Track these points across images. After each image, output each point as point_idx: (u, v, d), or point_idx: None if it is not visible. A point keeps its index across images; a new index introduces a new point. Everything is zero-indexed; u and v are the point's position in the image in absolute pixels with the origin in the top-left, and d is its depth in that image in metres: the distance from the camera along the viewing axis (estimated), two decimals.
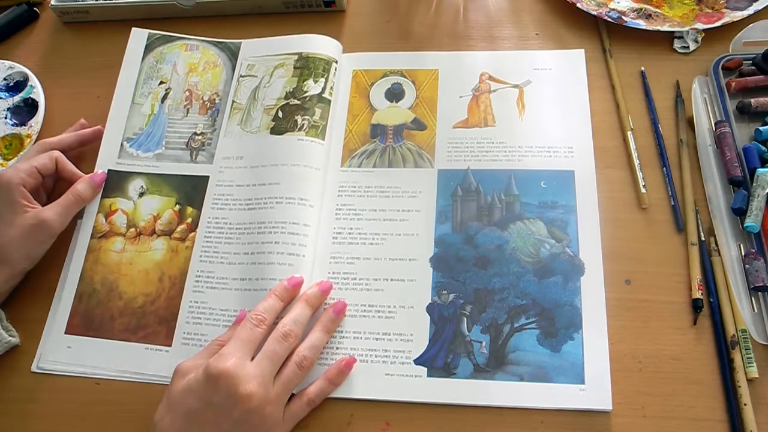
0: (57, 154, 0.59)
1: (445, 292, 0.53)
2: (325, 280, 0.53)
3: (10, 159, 0.65)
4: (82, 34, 0.75)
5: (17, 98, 0.69)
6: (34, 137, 0.66)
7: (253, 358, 0.46)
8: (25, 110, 0.69)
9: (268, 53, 0.66)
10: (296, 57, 0.64)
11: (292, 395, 0.49)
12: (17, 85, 0.71)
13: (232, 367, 0.44)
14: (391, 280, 0.54)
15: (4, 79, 0.71)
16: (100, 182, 0.60)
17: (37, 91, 0.69)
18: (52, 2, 0.73)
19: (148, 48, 0.68)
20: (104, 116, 0.67)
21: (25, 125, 0.67)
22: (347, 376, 0.50)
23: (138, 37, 0.68)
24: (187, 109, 0.64)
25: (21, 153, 0.65)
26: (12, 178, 0.56)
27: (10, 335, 0.54)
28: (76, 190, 0.58)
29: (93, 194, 0.60)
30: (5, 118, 0.68)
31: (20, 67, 0.71)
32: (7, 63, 0.72)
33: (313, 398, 0.49)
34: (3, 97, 0.70)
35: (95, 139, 0.63)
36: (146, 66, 0.67)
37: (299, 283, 0.52)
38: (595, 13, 0.64)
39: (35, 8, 0.77)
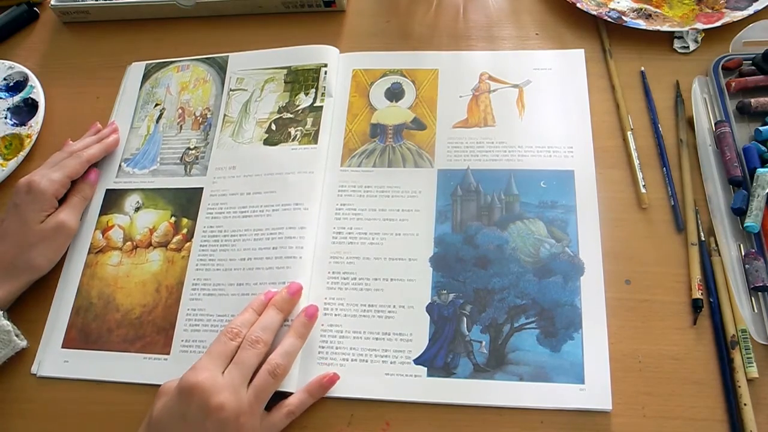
0: (87, 155, 0.61)
1: (445, 291, 0.53)
2: (293, 284, 0.53)
3: (10, 159, 0.66)
4: (82, 34, 0.75)
5: (17, 98, 0.70)
6: (34, 137, 0.66)
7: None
8: (25, 110, 0.69)
9: (257, 66, 0.67)
10: (286, 71, 0.66)
11: (273, 406, 0.48)
12: (17, 85, 0.71)
13: (203, 379, 0.44)
14: (391, 279, 0.54)
15: (4, 79, 0.71)
16: (95, 180, 0.62)
17: (37, 91, 0.69)
18: (52, 2, 0.74)
19: (146, 77, 0.69)
20: (104, 116, 0.67)
21: (25, 125, 0.67)
22: (328, 391, 0.50)
23: (136, 69, 0.70)
24: (180, 126, 0.65)
25: (21, 153, 0.66)
26: (47, 188, 0.57)
27: (18, 339, 0.54)
28: (81, 192, 0.60)
29: (93, 192, 0.62)
30: (5, 118, 0.68)
31: (20, 67, 0.71)
32: (7, 63, 0.72)
33: (293, 410, 0.48)
34: (3, 97, 0.70)
35: (116, 145, 0.65)
36: (143, 93, 0.68)
37: (297, 290, 0.52)
38: (595, 13, 0.64)
39: (35, 8, 0.77)
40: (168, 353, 0.53)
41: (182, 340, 0.54)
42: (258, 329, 0.49)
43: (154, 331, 0.55)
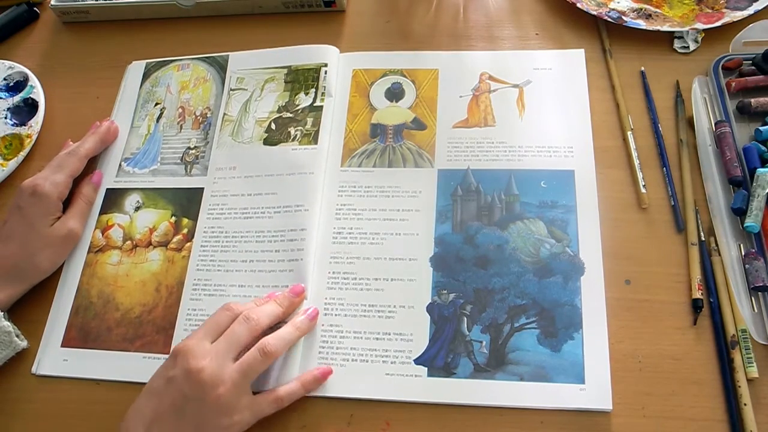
0: (84, 150, 0.61)
1: (445, 291, 0.53)
2: (297, 285, 0.53)
3: (10, 159, 0.66)
4: (82, 34, 0.75)
5: (17, 98, 0.70)
6: (34, 137, 0.66)
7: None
8: (25, 110, 0.69)
9: (257, 66, 0.67)
10: (286, 71, 0.65)
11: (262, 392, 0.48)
12: (17, 85, 0.71)
13: (189, 344, 0.46)
14: (391, 279, 0.54)
15: (4, 79, 0.71)
16: (99, 182, 0.62)
17: (37, 91, 0.69)
18: (52, 2, 0.74)
19: (146, 75, 0.69)
20: (104, 116, 0.67)
21: (25, 125, 0.67)
22: (321, 384, 0.50)
23: (136, 67, 0.70)
24: (180, 126, 0.65)
25: (21, 153, 0.66)
26: (52, 192, 0.57)
27: (19, 339, 0.54)
28: (86, 195, 0.61)
29: (96, 194, 0.62)
30: (5, 118, 0.68)
31: (20, 67, 0.71)
32: (7, 63, 0.72)
33: (282, 397, 0.48)
34: (3, 97, 0.70)
35: (114, 137, 0.65)
36: (143, 92, 0.68)
37: (300, 292, 0.53)
38: (595, 13, 0.64)
39: (35, 8, 0.77)
40: (168, 353, 0.53)
41: (182, 340, 0.53)
42: (256, 310, 0.49)
43: (153, 331, 0.55)
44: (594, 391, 0.47)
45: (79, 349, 0.55)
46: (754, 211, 0.51)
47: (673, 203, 0.55)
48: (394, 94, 0.64)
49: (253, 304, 0.51)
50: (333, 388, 0.50)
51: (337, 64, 0.66)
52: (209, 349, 0.46)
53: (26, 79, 0.71)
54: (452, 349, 0.50)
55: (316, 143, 0.60)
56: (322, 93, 0.63)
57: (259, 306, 0.50)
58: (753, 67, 0.59)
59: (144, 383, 0.48)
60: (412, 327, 0.52)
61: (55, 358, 0.55)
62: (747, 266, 0.50)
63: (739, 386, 0.46)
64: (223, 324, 0.48)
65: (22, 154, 0.66)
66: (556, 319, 0.50)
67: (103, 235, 0.60)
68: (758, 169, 0.52)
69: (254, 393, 0.48)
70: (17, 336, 0.54)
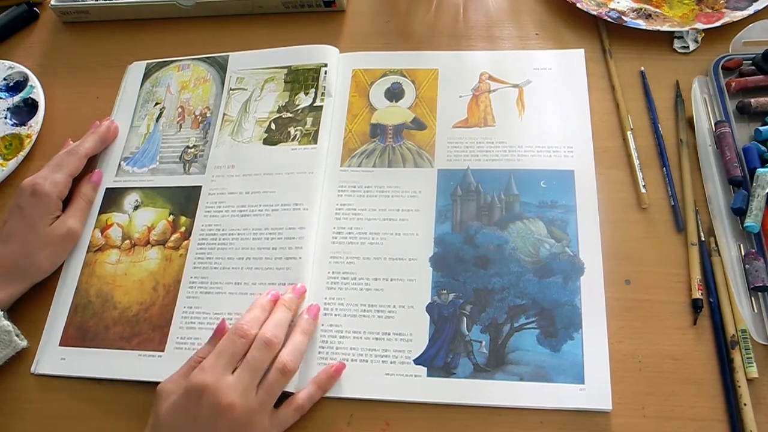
0: (84, 149, 0.61)
1: (445, 291, 0.53)
2: (299, 285, 0.53)
3: (10, 159, 0.66)
4: (82, 34, 0.75)
5: (17, 98, 0.70)
6: (34, 137, 0.66)
7: (236, 369, 0.46)
8: (25, 110, 0.69)
9: (257, 66, 0.67)
10: (286, 71, 0.65)
11: (281, 401, 0.48)
12: (17, 85, 0.71)
13: (212, 380, 0.44)
14: (391, 279, 0.54)
15: (4, 79, 0.71)
16: (98, 181, 0.62)
17: (37, 91, 0.69)
18: (52, 2, 0.74)
19: (146, 76, 0.69)
20: (104, 116, 0.67)
21: (25, 125, 0.67)
22: (336, 381, 0.50)
23: (137, 68, 0.70)
24: (180, 125, 0.65)
25: (21, 153, 0.66)
26: (52, 192, 0.57)
27: (19, 339, 0.54)
28: (85, 195, 0.61)
29: (96, 193, 0.62)
30: (5, 118, 0.68)
31: (20, 67, 0.71)
32: (7, 63, 0.72)
33: (302, 404, 0.48)
34: (3, 97, 0.70)
35: (114, 136, 0.65)
36: (143, 92, 0.68)
37: (303, 292, 0.53)
38: (595, 13, 0.64)
39: (35, 8, 0.77)
40: (162, 350, 0.53)
41: (177, 338, 0.54)
42: (271, 327, 0.48)
43: (149, 329, 0.55)
44: (594, 391, 0.47)
45: (77, 348, 0.55)
46: (754, 211, 0.51)
47: (673, 203, 0.55)
48: (394, 94, 0.64)
49: (260, 313, 0.49)
50: (333, 388, 0.50)
51: (337, 64, 0.66)
52: (234, 382, 0.45)
53: (26, 79, 0.71)
54: (452, 349, 0.50)
55: (315, 143, 0.60)
56: (322, 93, 0.64)
57: (272, 317, 0.49)
58: (753, 67, 0.59)
59: (141, 381, 0.48)
60: (411, 327, 0.52)
61: (53, 357, 0.55)
62: (747, 266, 0.50)
63: (739, 386, 0.46)
64: (238, 351, 0.47)
65: (22, 154, 0.66)
66: (556, 319, 0.50)
67: (102, 234, 0.60)
68: (758, 169, 0.52)
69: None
70: (17, 335, 0.54)
